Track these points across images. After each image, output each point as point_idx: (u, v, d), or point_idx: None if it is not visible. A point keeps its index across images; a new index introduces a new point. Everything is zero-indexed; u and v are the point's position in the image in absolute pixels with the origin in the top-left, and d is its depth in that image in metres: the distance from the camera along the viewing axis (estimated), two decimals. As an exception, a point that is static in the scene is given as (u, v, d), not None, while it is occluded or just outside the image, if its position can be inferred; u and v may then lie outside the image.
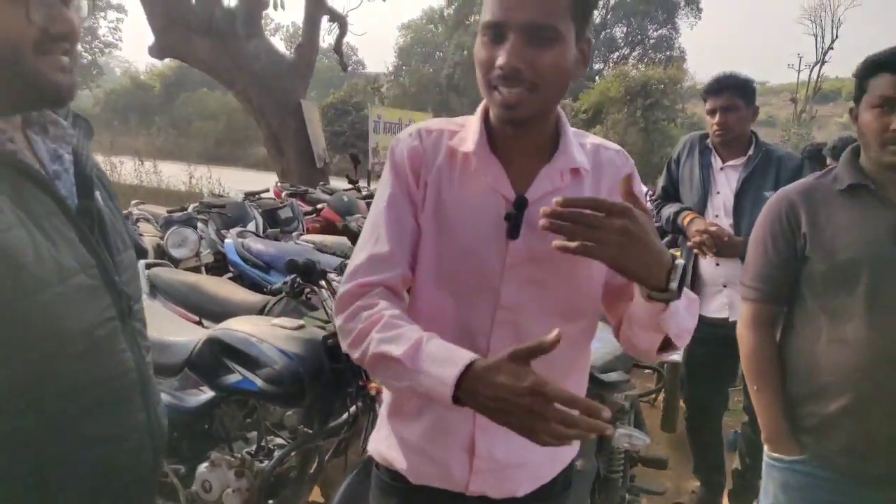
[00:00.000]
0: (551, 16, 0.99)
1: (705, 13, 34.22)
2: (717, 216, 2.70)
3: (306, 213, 5.64)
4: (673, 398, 3.43)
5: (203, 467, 2.23)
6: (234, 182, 12.35)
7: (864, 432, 1.51)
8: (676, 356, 3.37)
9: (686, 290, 1.04)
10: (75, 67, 0.90)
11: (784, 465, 1.62)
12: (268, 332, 2.18)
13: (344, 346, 1.12)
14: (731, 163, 2.71)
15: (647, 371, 3.95)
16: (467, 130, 1.14)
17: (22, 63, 0.83)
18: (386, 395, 1.31)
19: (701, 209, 2.74)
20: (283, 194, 6.14)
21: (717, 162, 2.75)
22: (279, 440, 2.35)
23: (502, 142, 1.12)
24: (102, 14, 36.88)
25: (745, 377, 1.71)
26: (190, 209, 4.52)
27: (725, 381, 3.07)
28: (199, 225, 4.42)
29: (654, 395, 3.94)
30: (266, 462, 2.23)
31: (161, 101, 36.48)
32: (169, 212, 4.37)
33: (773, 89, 45.21)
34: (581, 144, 1.16)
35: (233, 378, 2.17)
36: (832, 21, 35.90)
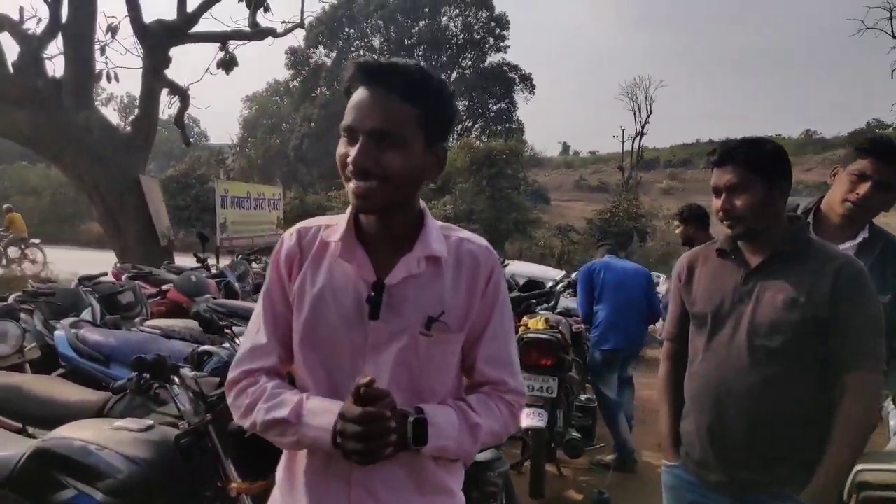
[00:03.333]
0: (395, 125, 1.14)
1: (538, 89, 37.27)
2: None
3: (150, 296, 5.24)
4: (539, 464, 3.51)
5: None
6: (66, 263, 11.27)
7: (700, 446, 1.87)
8: (540, 422, 3.48)
9: (471, 412, 1.24)
10: None
11: (667, 469, 2.01)
12: (110, 437, 1.96)
13: (236, 419, 1.28)
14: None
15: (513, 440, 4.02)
16: (338, 225, 1.26)
17: None
18: (279, 476, 1.33)
19: None
20: (124, 276, 5.69)
21: None
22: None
23: (368, 232, 1.25)
24: None
25: None
26: (10, 299, 4.02)
27: None
28: (23, 316, 3.95)
29: (520, 463, 3.99)
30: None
31: (-32, 176, 32.69)
32: (-15, 302, 3.87)
33: (603, 158, 49.62)
34: (446, 236, 1.27)
35: (67, 494, 1.91)
36: (646, 98, 40.50)
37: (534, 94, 36.79)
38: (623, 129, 38.31)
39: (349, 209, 1.26)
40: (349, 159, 1.15)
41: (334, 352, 1.23)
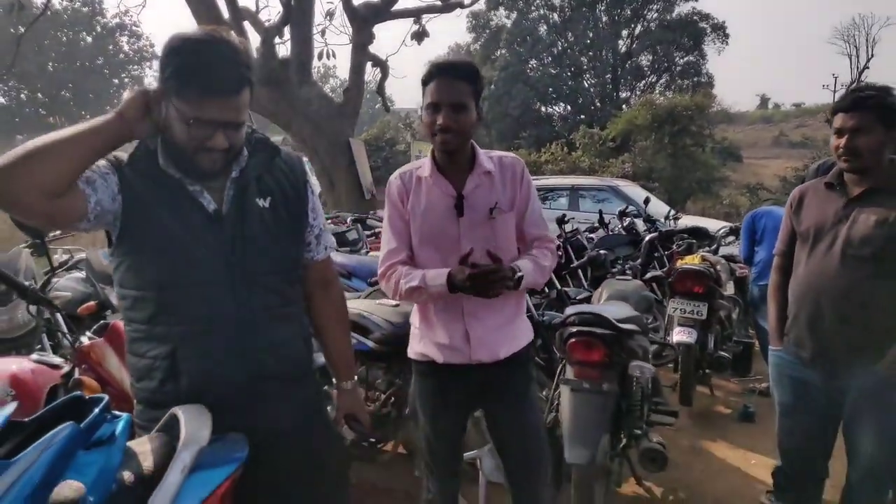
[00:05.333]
0: (463, 97, 1.91)
1: (732, 38, 34.68)
2: None
3: (367, 236, 6.50)
4: (688, 374, 4.11)
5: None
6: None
7: (799, 332, 2.47)
8: (689, 339, 4.08)
9: (538, 259, 2.04)
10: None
11: (773, 352, 2.64)
12: (375, 308, 3.00)
13: (390, 296, 2.06)
14: None
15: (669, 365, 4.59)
16: (424, 165, 2.09)
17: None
18: (414, 321, 2.21)
19: None
20: (349, 220, 7.03)
21: None
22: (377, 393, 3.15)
23: (443, 166, 2.06)
24: (149, 64, 39.05)
25: None
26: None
27: None
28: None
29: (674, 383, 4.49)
30: (372, 405, 3.02)
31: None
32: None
33: (809, 111, 45.10)
34: (489, 157, 2.08)
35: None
36: (867, 40, 36.14)
37: (727, 44, 34.37)
38: (836, 77, 34.58)
39: (429, 155, 2.07)
40: (438, 123, 1.90)
41: (441, 240, 2.01)
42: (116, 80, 37.55)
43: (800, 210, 2.53)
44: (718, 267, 4.60)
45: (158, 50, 1.52)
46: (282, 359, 1.61)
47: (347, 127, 11.21)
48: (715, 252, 5.29)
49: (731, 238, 5.79)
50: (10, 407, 1.26)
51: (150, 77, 39.49)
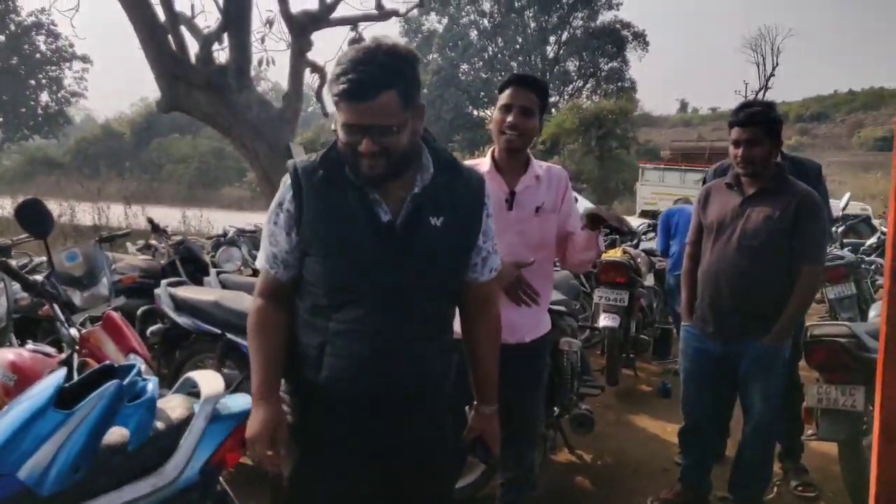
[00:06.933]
0: (532, 103, 2.21)
1: (652, 45, 36.42)
2: None
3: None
4: (613, 356, 4.58)
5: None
6: (222, 220, 13.33)
7: (703, 310, 2.88)
8: (613, 323, 4.55)
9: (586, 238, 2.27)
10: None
11: (684, 327, 3.05)
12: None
13: None
14: None
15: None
16: (483, 163, 2.34)
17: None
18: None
19: None
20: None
21: None
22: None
23: (501, 165, 2.31)
24: (68, 65, 37.36)
25: None
26: (231, 233, 5.61)
27: None
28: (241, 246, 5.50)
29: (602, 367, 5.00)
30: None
31: (131, 147, 36.05)
32: (216, 236, 5.47)
33: (724, 115, 47.48)
34: (539, 165, 2.35)
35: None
36: (772, 50, 38.64)
37: (647, 51, 36.12)
38: (746, 84, 36.88)
39: (488, 153, 2.34)
40: (508, 120, 2.17)
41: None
42: (33, 81, 35.73)
43: (706, 206, 2.93)
44: (639, 260, 5.11)
45: (79, 50, 1.48)
46: (419, 377, 1.59)
47: (287, 131, 11.30)
48: (636, 246, 5.82)
49: (651, 234, 6.35)
50: (62, 372, 1.53)
51: (70, 79, 37.46)
